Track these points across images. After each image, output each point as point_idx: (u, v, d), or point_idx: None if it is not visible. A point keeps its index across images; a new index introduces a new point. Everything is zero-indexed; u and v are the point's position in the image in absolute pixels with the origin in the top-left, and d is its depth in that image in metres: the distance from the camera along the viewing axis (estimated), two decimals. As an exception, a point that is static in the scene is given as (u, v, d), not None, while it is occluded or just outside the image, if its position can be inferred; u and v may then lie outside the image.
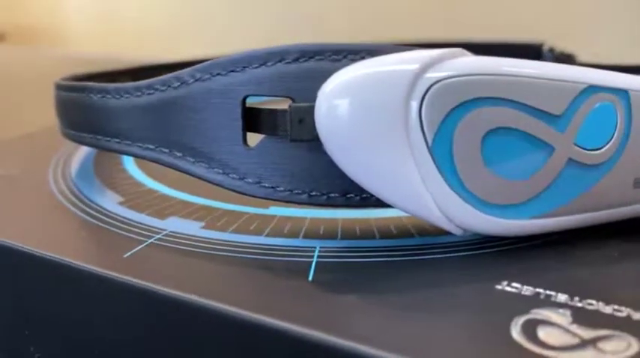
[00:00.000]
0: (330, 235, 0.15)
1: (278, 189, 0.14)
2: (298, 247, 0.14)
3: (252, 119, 0.14)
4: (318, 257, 0.14)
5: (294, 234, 0.15)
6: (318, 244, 0.14)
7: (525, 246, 0.14)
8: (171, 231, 0.15)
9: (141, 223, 0.16)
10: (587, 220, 0.14)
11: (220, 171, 0.15)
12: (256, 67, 0.14)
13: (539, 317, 0.11)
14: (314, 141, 0.13)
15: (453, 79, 0.13)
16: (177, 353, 0.13)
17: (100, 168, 0.20)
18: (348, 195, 0.14)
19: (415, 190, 0.13)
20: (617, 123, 0.14)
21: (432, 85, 0.13)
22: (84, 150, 0.22)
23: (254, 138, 0.14)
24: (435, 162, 0.13)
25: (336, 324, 0.11)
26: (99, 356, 0.14)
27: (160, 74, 0.15)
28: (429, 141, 0.13)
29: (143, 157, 0.16)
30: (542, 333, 0.11)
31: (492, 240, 0.14)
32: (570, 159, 0.13)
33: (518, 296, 0.12)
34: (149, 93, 0.15)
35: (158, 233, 0.15)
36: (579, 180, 0.14)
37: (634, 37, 0.53)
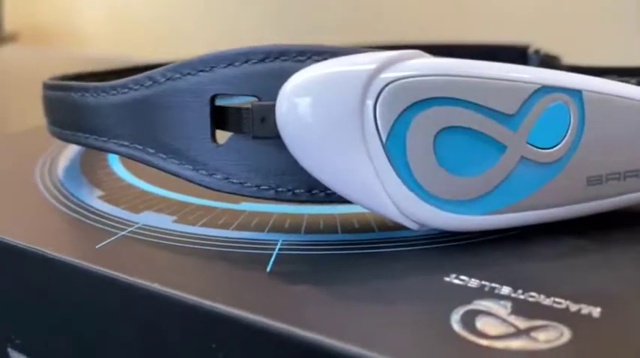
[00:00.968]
0: (294, 229, 0.15)
1: (245, 184, 0.15)
2: (262, 240, 0.15)
3: (220, 117, 0.15)
4: (280, 249, 0.14)
5: (259, 228, 0.15)
6: (281, 238, 0.15)
7: (479, 241, 0.14)
8: (144, 225, 0.16)
9: (116, 216, 0.16)
10: (540, 217, 0.14)
11: (190, 167, 0.15)
12: (224, 67, 0.15)
13: (479, 307, 0.12)
14: (277, 139, 0.14)
15: (407, 80, 0.13)
16: (142, 340, 0.13)
17: (85, 164, 0.21)
18: (313, 191, 0.15)
19: (371, 187, 0.14)
20: (570, 122, 0.14)
21: (386, 85, 0.13)
22: (72, 148, 0.23)
23: (224, 136, 0.15)
24: (389, 160, 0.13)
25: (284, 312, 0.12)
26: (72, 341, 0.15)
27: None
28: (384, 139, 0.13)
29: (119, 153, 0.16)
30: (480, 323, 0.11)
31: (448, 234, 0.15)
32: (523, 158, 0.14)
33: (464, 288, 0.12)
34: (124, 92, 0.16)
35: (131, 226, 0.16)
36: (532, 177, 0.14)
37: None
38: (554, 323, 0.11)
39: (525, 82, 0.14)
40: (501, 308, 0.12)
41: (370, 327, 0.11)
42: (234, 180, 0.15)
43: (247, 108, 0.14)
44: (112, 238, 0.15)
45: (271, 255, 0.14)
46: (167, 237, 0.15)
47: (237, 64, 0.15)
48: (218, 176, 0.15)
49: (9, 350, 0.16)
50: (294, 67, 0.14)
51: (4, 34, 1.45)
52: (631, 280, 0.13)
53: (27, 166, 0.21)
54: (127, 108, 0.16)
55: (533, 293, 0.12)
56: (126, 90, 0.16)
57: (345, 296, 0.12)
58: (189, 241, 0.15)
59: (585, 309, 0.12)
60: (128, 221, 0.16)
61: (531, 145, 0.14)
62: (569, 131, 0.14)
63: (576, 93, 0.14)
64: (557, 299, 0.12)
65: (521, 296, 0.12)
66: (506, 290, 0.12)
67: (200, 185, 0.15)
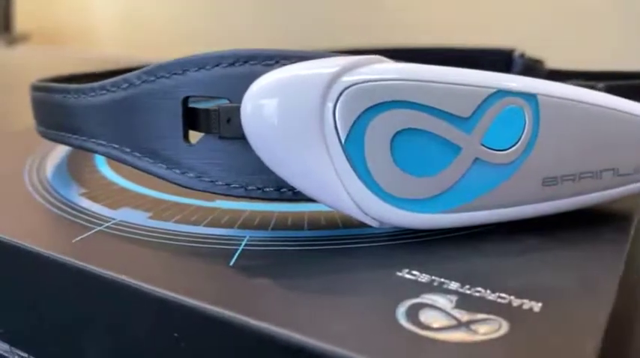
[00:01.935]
0: (262, 226, 0.16)
1: (217, 183, 0.16)
2: (230, 236, 0.15)
3: (192, 118, 0.15)
4: (245, 245, 0.15)
5: (229, 225, 0.16)
6: (248, 234, 0.15)
7: (438, 239, 0.15)
8: (120, 220, 0.16)
9: (95, 213, 0.17)
10: (496, 216, 0.15)
11: (164, 166, 0.16)
12: (196, 71, 0.15)
13: (426, 301, 0.12)
14: (244, 139, 0.15)
15: (365, 84, 0.14)
16: (112, 328, 0.14)
17: (72, 162, 0.22)
18: (282, 190, 0.15)
19: (332, 186, 0.14)
20: (525, 125, 0.15)
21: (346, 88, 0.14)
22: (63, 147, 0.23)
23: (197, 136, 0.16)
24: (348, 160, 0.14)
25: (240, 302, 0.12)
26: (49, 328, 0.16)
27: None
28: (343, 140, 0.14)
29: (97, 152, 0.17)
30: (423, 315, 0.12)
31: (408, 231, 0.15)
32: (477, 159, 0.14)
33: (414, 282, 0.13)
34: (102, 94, 0.16)
35: (108, 221, 0.16)
36: (487, 178, 0.15)
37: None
38: (494, 317, 0.12)
39: (480, 87, 0.14)
40: (447, 302, 0.12)
41: (319, 318, 0.12)
42: (206, 179, 0.16)
43: (215, 110, 0.15)
44: (89, 233, 0.16)
45: (236, 250, 0.15)
46: (141, 232, 0.16)
47: (208, 67, 0.15)
48: (190, 174, 0.16)
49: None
50: (262, 71, 0.15)
51: (16, 34, 1.47)
52: (576, 278, 0.13)
53: (17, 163, 0.21)
54: (104, 109, 0.16)
55: (479, 289, 0.13)
56: (104, 92, 0.16)
57: (300, 288, 0.13)
58: (161, 236, 0.15)
59: (527, 304, 0.12)
60: (106, 217, 0.17)
61: (486, 147, 0.14)
62: (524, 133, 0.15)
63: (531, 98, 0.15)
64: (501, 295, 0.12)
65: (468, 291, 0.13)
66: (454, 285, 0.13)
67: (173, 183, 0.16)
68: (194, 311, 0.12)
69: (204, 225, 0.16)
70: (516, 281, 0.13)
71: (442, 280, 0.13)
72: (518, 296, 0.12)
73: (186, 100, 0.15)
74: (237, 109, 0.14)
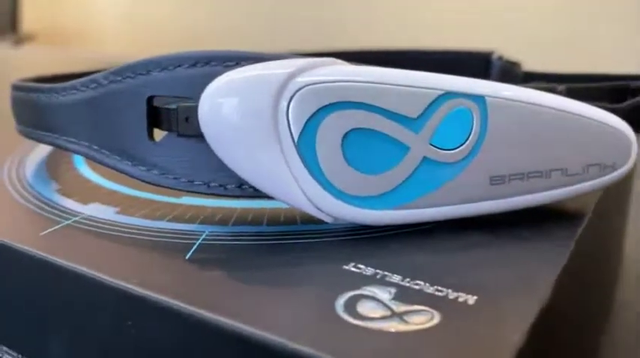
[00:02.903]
0: (223, 222, 0.17)
1: (180, 180, 0.16)
2: (191, 231, 0.16)
3: (155, 117, 0.16)
4: (204, 239, 0.15)
5: (192, 220, 0.17)
6: (208, 229, 0.16)
7: (389, 234, 0.15)
8: (89, 215, 0.17)
9: (66, 207, 0.18)
10: (443, 213, 0.15)
11: (130, 163, 0.16)
12: (160, 71, 0.16)
13: (365, 293, 0.13)
14: (202, 137, 0.15)
15: (318, 85, 0.14)
16: (72, 316, 0.15)
17: (51, 160, 0.22)
18: (243, 186, 0.16)
19: (286, 183, 0.15)
20: (472, 125, 0.15)
21: (300, 89, 0.14)
22: (44, 145, 0.24)
23: (162, 134, 0.16)
24: (301, 158, 0.15)
25: (189, 293, 0.13)
26: (15, 318, 0.16)
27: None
28: (296, 138, 0.15)
29: (69, 150, 0.18)
30: (360, 306, 0.12)
31: (361, 227, 0.16)
32: (425, 158, 0.15)
33: (358, 275, 0.14)
34: (72, 94, 0.17)
35: (77, 216, 0.17)
36: (435, 176, 0.15)
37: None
38: (428, 308, 0.12)
39: (429, 88, 0.15)
40: (385, 294, 0.13)
41: (262, 308, 0.12)
42: (170, 176, 0.16)
43: (174, 109, 0.15)
44: (57, 226, 0.16)
45: (195, 243, 0.15)
46: (107, 226, 0.16)
47: (171, 68, 0.16)
48: (155, 171, 0.16)
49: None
50: (222, 72, 0.15)
51: (23, 33, 1.48)
52: (514, 274, 0.14)
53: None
54: (75, 108, 0.17)
55: (419, 282, 0.13)
56: (74, 91, 0.17)
57: (248, 280, 0.13)
58: (125, 230, 0.16)
59: (462, 298, 0.13)
60: (75, 211, 0.17)
61: (434, 146, 0.15)
62: (472, 134, 0.15)
63: (480, 99, 0.15)
64: (439, 288, 0.13)
65: (408, 284, 0.13)
66: (396, 278, 0.13)
67: (140, 180, 0.16)
68: (145, 300, 0.13)
69: (168, 220, 0.17)
70: (456, 275, 0.14)
71: (385, 273, 0.14)
72: (455, 289, 0.13)
73: (151, 100, 0.16)
74: (196, 108, 0.15)
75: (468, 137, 0.15)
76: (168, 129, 0.16)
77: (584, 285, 0.18)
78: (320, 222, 0.16)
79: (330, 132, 0.15)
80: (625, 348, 0.24)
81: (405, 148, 0.15)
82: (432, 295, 0.13)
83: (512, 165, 0.15)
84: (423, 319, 0.12)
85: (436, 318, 0.12)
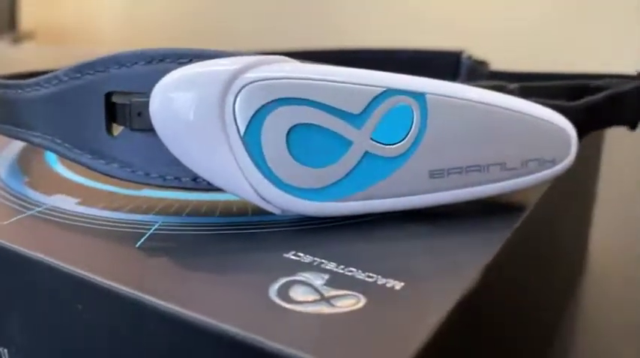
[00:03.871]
0: (178, 212, 0.17)
1: (137, 173, 0.17)
2: (145, 221, 0.17)
3: (113, 112, 0.17)
4: (156, 229, 0.16)
5: (148, 211, 0.17)
6: (162, 219, 0.17)
7: (335, 225, 0.16)
8: (51, 206, 0.18)
9: (30, 198, 0.18)
10: (385, 205, 0.16)
11: (90, 156, 0.17)
12: (117, 68, 0.17)
13: (299, 278, 0.14)
14: (153, 131, 0.16)
15: (264, 81, 0.15)
16: (29, 301, 0.15)
17: (24, 154, 0.23)
18: (197, 179, 0.17)
19: (234, 175, 0.15)
20: (412, 121, 0.16)
21: (246, 84, 0.15)
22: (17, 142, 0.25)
23: (120, 129, 0.17)
24: (247, 152, 0.15)
25: (133, 278, 0.14)
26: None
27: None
28: (242, 132, 0.15)
29: (33, 143, 0.18)
30: (292, 291, 0.13)
31: (308, 218, 0.16)
32: (367, 152, 0.16)
33: (296, 263, 0.14)
34: (36, 89, 0.18)
35: (39, 206, 0.18)
36: (376, 169, 0.16)
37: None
38: (355, 293, 0.13)
39: (371, 86, 0.16)
40: (317, 279, 0.13)
41: (200, 293, 0.13)
42: (128, 169, 0.17)
43: (128, 104, 0.16)
44: (19, 216, 0.17)
45: (146, 233, 0.16)
46: (66, 216, 0.17)
47: (128, 65, 0.17)
48: (114, 165, 0.17)
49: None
50: (176, 69, 0.16)
51: (22, 32, 1.49)
52: (445, 262, 0.14)
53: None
54: (38, 104, 0.18)
55: (352, 269, 0.14)
56: (38, 88, 0.18)
57: (191, 267, 0.14)
58: (83, 220, 0.17)
59: (390, 283, 0.13)
60: (39, 202, 0.18)
61: (375, 141, 0.16)
62: (412, 129, 0.16)
63: (420, 96, 0.16)
64: (370, 274, 0.14)
65: (341, 271, 0.14)
66: (331, 265, 0.14)
67: (100, 173, 0.17)
68: (91, 284, 0.14)
69: (125, 211, 0.17)
70: (389, 263, 0.14)
71: (322, 261, 0.14)
72: (385, 276, 0.14)
73: (109, 95, 0.17)
74: (147, 104, 0.16)
75: (409, 133, 0.16)
76: (124, 124, 0.16)
77: (525, 278, 0.19)
78: (269, 213, 0.17)
79: (275, 126, 0.15)
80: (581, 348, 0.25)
81: (347, 143, 0.16)
82: (362, 281, 0.13)
83: (451, 160, 0.16)
84: (349, 303, 0.13)
85: (361, 302, 0.13)
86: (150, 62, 0.16)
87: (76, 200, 0.18)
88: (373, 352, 0.11)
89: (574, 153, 0.17)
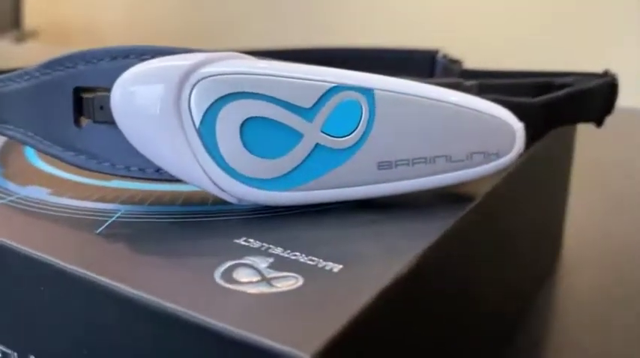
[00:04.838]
0: (140, 202, 0.18)
1: (104, 164, 0.18)
2: (108, 210, 0.18)
3: (80, 105, 0.18)
4: (118, 217, 0.17)
5: (113, 200, 0.18)
6: (124, 208, 0.18)
7: (290, 214, 0.17)
8: (24, 195, 0.19)
9: (5, 188, 0.19)
10: (335, 195, 0.17)
11: (60, 148, 0.18)
12: (85, 65, 0.18)
13: (245, 261, 0.14)
14: (115, 124, 0.17)
15: (217, 76, 0.16)
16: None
17: (4, 148, 0.24)
18: (160, 171, 0.17)
19: (191, 167, 0.16)
20: (361, 115, 0.17)
21: (201, 79, 0.16)
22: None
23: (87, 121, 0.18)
24: (203, 143, 0.16)
25: (88, 261, 0.14)
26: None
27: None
28: (197, 125, 0.16)
29: (7, 136, 0.19)
30: (236, 273, 0.14)
31: (266, 208, 0.17)
32: (318, 144, 0.17)
33: (245, 248, 0.15)
34: (9, 85, 0.19)
35: (12, 196, 0.19)
36: (327, 161, 0.17)
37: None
38: (295, 274, 0.14)
39: (321, 81, 0.16)
40: (262, 263, 0.14)
41: (150, 275, 0.14)
42: (94, 160, 0.18)
43: (91, 98, 0.17)
44: (-9, 205, 0.18)
45: (108, 220, 0.17)
46: (37, 205, 0.18)
47: (94, 61, 0.17)
48: (83, 156, 0.18)
49: None
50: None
51: (25, 31, 1.51)
52: (385, 247, 0.15)
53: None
54: (11, 99, 0.19)
55: (296, 253, 0.15)
56: (10, 83, 0.19)
57: (145, 252, 0.15)
58: (52, 209, 0.18)
59: (329, 266, 0.14)
60: (13, 192, 0.19)
61: (326, 134, 0.17)
62: (361, 123, 0.17)
63: (368, 92, 0.17)
64: (312, 258, 0.15)
65: (286, 255, 0.15)
66: (278, 250, 0.15)
67: (70, 164, 0.18)
68: (50, 266, 0.15)
69: (92, 201, 0.18)
70: (332, 248, 0.15)
71: (270, 246, 0.15)
72: (326, 259, 0.14)
73: (77, 90, 0.18)
74: (109, 97, 0.17)
75: (357, 126, 0.17)
76: (89, 117, 0.17)
77: (476, 267, 0.19)
78: (228, 202, 0.18)
79: (229, 119, 0.16)
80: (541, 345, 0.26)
81: (298, 135, 0.16)
82: (304, 264, 0.14)
83: (398, 152, 0.17)
84: (288, 283, 0.13)
85: (299, 282, 0.13)
86: (114, 59, 0.17)
87: (48, 190, 0.19)
88: (304, 327, 0.12)
89: (520, 147, 0.18)
